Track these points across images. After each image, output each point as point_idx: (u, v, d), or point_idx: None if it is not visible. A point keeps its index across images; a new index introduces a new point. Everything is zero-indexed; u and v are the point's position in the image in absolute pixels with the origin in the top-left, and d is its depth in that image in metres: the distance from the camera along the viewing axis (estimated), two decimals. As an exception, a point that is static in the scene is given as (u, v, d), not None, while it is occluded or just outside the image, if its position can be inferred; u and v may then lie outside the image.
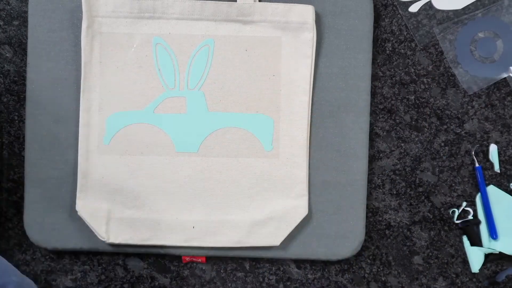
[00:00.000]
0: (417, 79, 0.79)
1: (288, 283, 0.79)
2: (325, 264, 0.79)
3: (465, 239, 0.79)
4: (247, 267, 0.79)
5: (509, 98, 0.79)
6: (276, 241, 0.75)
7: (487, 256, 0.79)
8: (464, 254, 0.80)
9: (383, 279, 0.80)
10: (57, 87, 0.74)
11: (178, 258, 0.78)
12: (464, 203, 0.80)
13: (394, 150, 0.79)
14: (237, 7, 0.73)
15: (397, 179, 0.79)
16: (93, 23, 0.73)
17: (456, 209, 0.79)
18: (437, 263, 0.80)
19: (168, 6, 0.73)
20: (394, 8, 0.79)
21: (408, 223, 0.80)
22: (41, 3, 0.75)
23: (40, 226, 0.75)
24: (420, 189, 0.80)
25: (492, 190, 0.79)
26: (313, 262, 0.79)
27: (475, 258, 0.79)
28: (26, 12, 0.76)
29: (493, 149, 0.79)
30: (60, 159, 0.74)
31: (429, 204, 0.80)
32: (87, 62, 0.74)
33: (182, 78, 0.74)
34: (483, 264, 0.79)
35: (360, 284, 0.80)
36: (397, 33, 0.79)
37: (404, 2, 0.79)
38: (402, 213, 0.80)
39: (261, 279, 0.79)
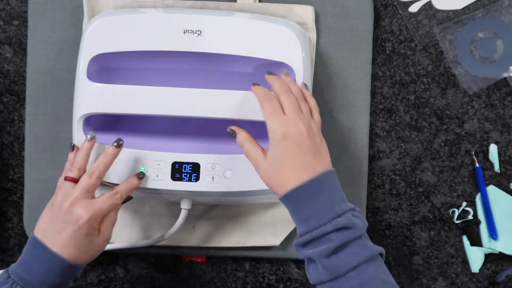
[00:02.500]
0: (417, 79, 0.79)
1: (288, 283, 0.79)
2: (325, 264, 0.79)
3: (465, 239, 0.80)
4: (247, 267, 0.79)
5: (509, 98, 0.79)
6: (276, 241, 0.75)
7: (487, 256, 0.79)
8: (464, 254, 0.80)
9: (383, 279, 0.80)
10: (57, 87, 0.74)
11: (178, 258, 0.78)
12: (464, 203, 0.80)
13: (394, 150, 0.79)
14: (237, 7, 0.73)
15: (397, 179, 0.79)
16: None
17: (456, 209, 0.79)
18: (437, 263, 0.80)
19: (169, 6, 0.73)
20: (394, 8, 0.79)
21: (408, 223, 0.80)
22: (41, 3, 0.75)
23: (40, 226, 0.75)
24: (420, 189, 0.80)
25: (492, 190, 0.79)
26: (313, 262, 0.79)
27: (475, 258, 0.79)
28: (26, 12, 0.76)
29: (493, 149, 0.79)
30: (60, 159, 0.74)
31: (429, 204, 0.80)
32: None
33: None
34: (483, 264, 0.79)
35: (360, 284, 0.80)
36: (397, 33, 0.79)
37: (404, 2, 0.79)
38: (402, 213, 0.80)
39: (261, 279, 0.79)
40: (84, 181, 0.60)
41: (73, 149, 0.64)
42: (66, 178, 0.60)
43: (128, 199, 0.65)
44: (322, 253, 0.54)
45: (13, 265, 0.58)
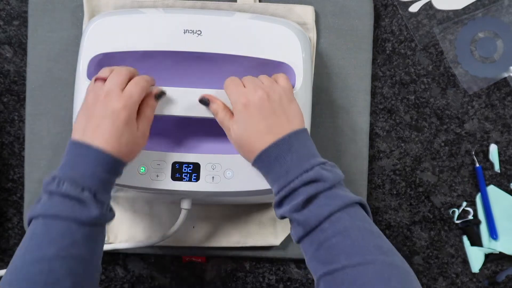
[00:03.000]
0: (417, 79, 0.79)
1: (288, 283, 0.79)
2: (325, 264, 0.79)
3: (465, 239, 0.80)
4: (247, 267, 0.79)
5: (509, 98, 0.79)
6: (276, 241, 0.75)
7: (487, 256, 0.79)
8: (464, 254, 0.80)
9: (383, 279, 0.80)
10: (57, 87, 0.74)
11: (178, 258, 0.78)
12: (464, 203, 0.80)
13: (394, 150, 0.79)
14: (237, 7, 0.73)
15: (397, 179, 0.79)
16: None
17: (456, 209, 0.79)
18: (437, 263, 0.80)
19: (169, 6, 0.73)
20: (394, 8, 0.79)
21: (408, 223, 0.80)
22: (41, 3, 0.75)
23: (40, 226, 0.75)
24: (420, 189, 0.80)
25: (492, 190, 0.79)
26: (313, 262, 0.79)
27: (475, 258, 0.79)
28: (26, 12, 0.76)
29: (493, 149, 0.79)
30: (60, 159, 0.74)
31: (429, 204, 0.80)
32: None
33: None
34: (483, 264, 0.79)
35: (360, 284, 0.80)
36: (397, 33, 0.79)
37: (404, 2, 0.79)
38: (402, 213, 0.80)
39: (261, 279, 0.79)
40: (113, 77, 0.59)
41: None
42: (97, 79, 0.59)
43: (160, 95, 0.63)
44: (293, 209, 0.54)
45: (55, 170, 0.57)
